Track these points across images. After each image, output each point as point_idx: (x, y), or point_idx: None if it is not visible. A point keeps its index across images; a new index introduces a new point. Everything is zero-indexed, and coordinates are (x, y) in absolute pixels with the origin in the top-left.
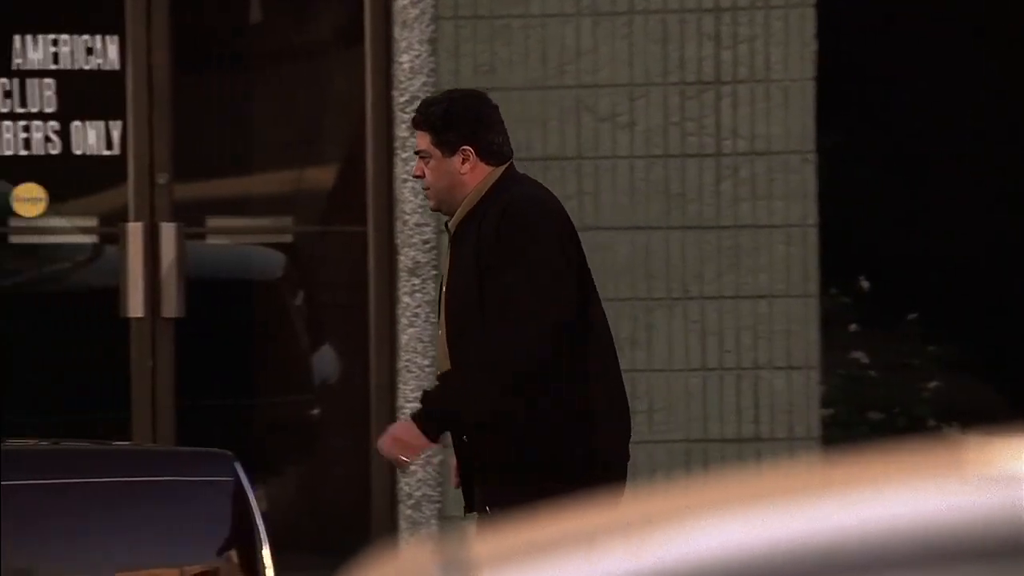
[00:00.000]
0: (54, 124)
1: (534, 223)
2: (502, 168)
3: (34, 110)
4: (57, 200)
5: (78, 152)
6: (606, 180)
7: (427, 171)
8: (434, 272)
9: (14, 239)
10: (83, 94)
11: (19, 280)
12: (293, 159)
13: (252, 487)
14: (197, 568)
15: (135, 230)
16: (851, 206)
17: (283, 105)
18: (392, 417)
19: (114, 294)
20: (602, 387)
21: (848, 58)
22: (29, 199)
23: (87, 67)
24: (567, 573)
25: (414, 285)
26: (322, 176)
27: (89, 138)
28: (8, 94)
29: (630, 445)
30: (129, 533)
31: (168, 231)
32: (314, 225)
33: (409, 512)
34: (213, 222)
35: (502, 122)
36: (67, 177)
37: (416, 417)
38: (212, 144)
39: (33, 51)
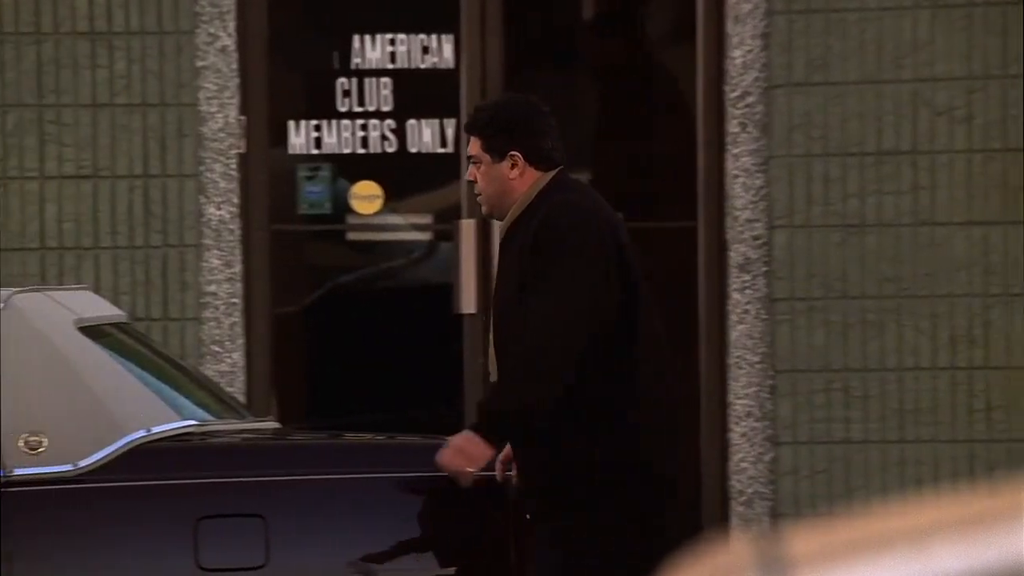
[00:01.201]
0: (390, 122)
1: (570, 233)
2: (552, 173)
3: (371, 109)
4: (393, 197)
5: (413, 150)
6: (942, 175)
7: (478, 176)
8: (765, 269)
9: (351, 236)
10: (419, 93)
11: (356, 276)
12: (623, 155)
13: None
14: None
15: (468, 227)
16: None
17: (614, 101)
18: (723, 413)
19: (447, 290)
20: (650, 395)
21: None
22: (366, 196)
23: (423, 66)
24: (896, 571)
25: (744, 281)
26: (652, 172)
27: (424, 136)
28: (347, 93)
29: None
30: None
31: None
32: (644, 221)
33: (741, 509)
34: None
35: (554, 127)
36: (402, 175)
37: (476, 427)
38: None
39: (371, 51)
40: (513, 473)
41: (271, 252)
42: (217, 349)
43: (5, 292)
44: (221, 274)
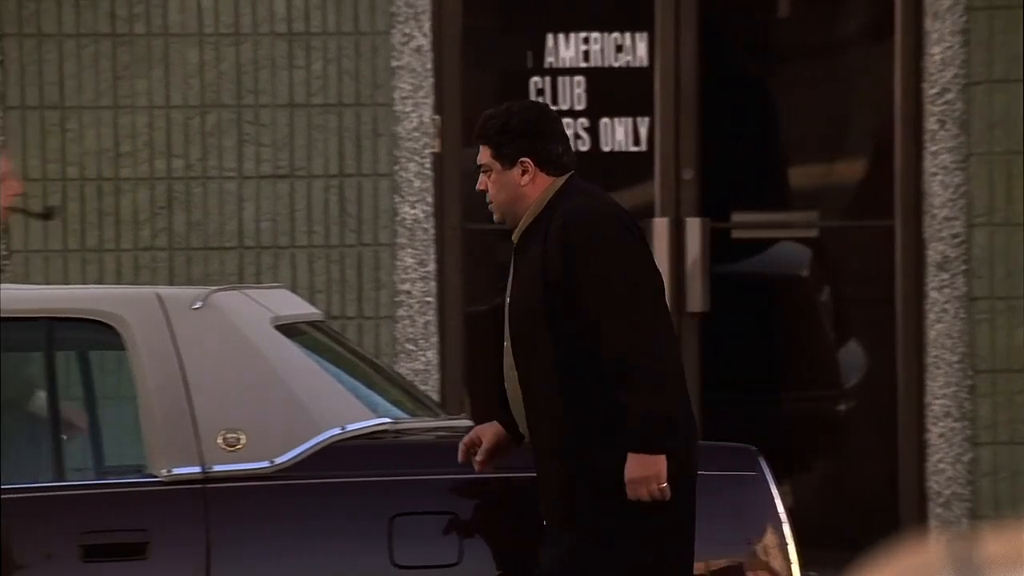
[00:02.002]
0: (584, 121)
1: (605, 228)
2: (564, 179)
3: (564, 107)
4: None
5: (606, 148)
6: None
7: (489, 184)
8: (964, 267)
9: None
10: (612, 91)
11: None
12: (820, 153)
13: (776, 482)
14: (722, 562)
15: (661, 225)
16: None
17: (810, 99)
18: (920, 414)
19: None
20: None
21: None
22: None
23: (616, 64)
24: None
25: (943, 280)
26: (849, 170)
27: (617, 134)
28: (540, 92)
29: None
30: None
31: (694, 226)
32: (841, 219)
33: (939, 511)
34: (738, 217)
35: (563, 132)
36: (596, 173)
37: (634, 449)
38: (737, 139)
39: (565, 49)
40: (480, 459)
41: (464, 251)
42: (411, 347)
43: (204, 291)
44: (415, 272)
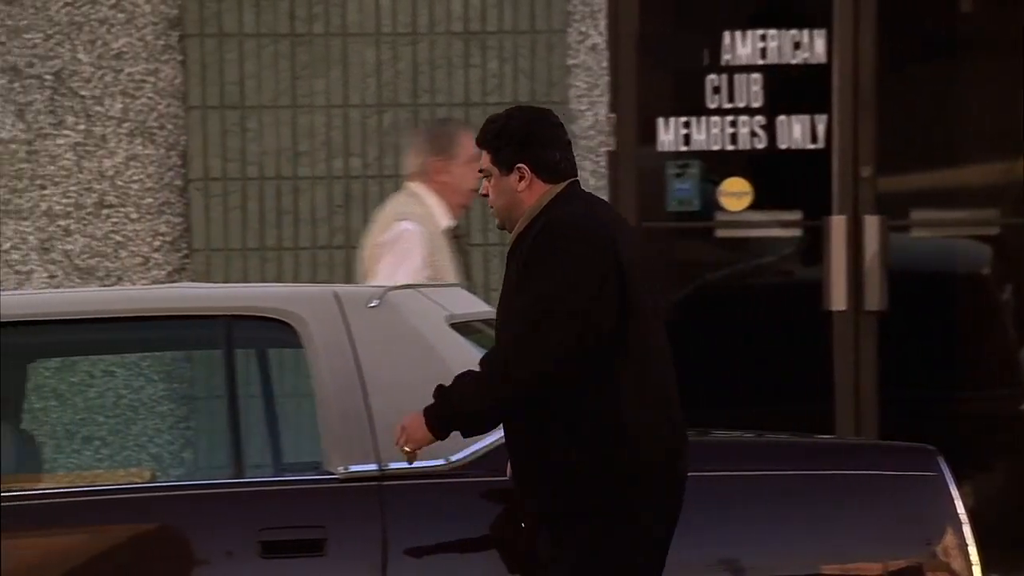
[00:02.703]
0: (760, 119)
1: (563, 243)
2: (562, 186)
3: (741, 105)
4: (761, 194)
5: (783, 146)
6: None
7: (490, 189)
8: None
9: (720, 233)
10: (789, 88)
11: (724, 273)
12: (1000, 150)
13: (956, 483)
14: (901, 563)
15: (838, 223)
16: None
17: (990, 95)
18: None
19: (817, 287)
20: (637, 402)
21: None
22: (735, 193)
23: (794, 61)
24: None
25: None
26: None
27: (794, 132)
28: (716, 90)
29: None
30: (831, 526)
31: (871, 224)
32: (1022, 217)
33: None
34: (917, 214)
35: (564, 139)
36: (771, 171)
37: (428, 411)
38: (916, 136)
39: (742, 47)
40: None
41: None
42: None
43: (381, 289)
44: None
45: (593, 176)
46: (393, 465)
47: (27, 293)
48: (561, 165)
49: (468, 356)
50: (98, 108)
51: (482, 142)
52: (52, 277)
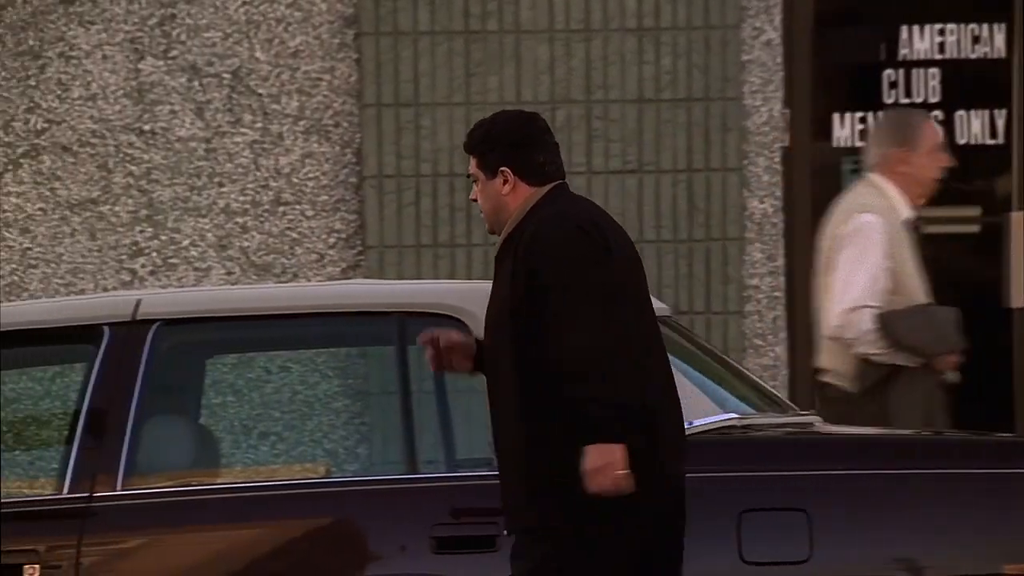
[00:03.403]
0: (938, 113)
1: (554, 247)
2: (547, 188)
3: (918, 100)
4: (942, 189)
5: (962, 141)
6: None
7: (478, 194)
8: None
9: None
10: (968, 83)
11: None
12: None
13: None
14: None
15: (1018, 220)
16: None
17: None
18: None
19: (995, 284)
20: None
21: None
22: None
23: (973, 56)
24: None
25: None
26: None
27: (973, 127)
28: (893, 85)
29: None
30: (1014, 526)
31: None
32: None
33: None
34: None
35: (550, 142)
36: (949, 167)
37: (586, 440)
38: None
39: (919, 41)
40: (432, 349)
41: (814, 246)
42: (759, 343)
43: None
44: (764, 267)
45: (767, 172)
46: None
47: (205, 290)
48: (546, 168)
49: None
50: (275, 106)
51: (468, 147)
52: (229, 274)
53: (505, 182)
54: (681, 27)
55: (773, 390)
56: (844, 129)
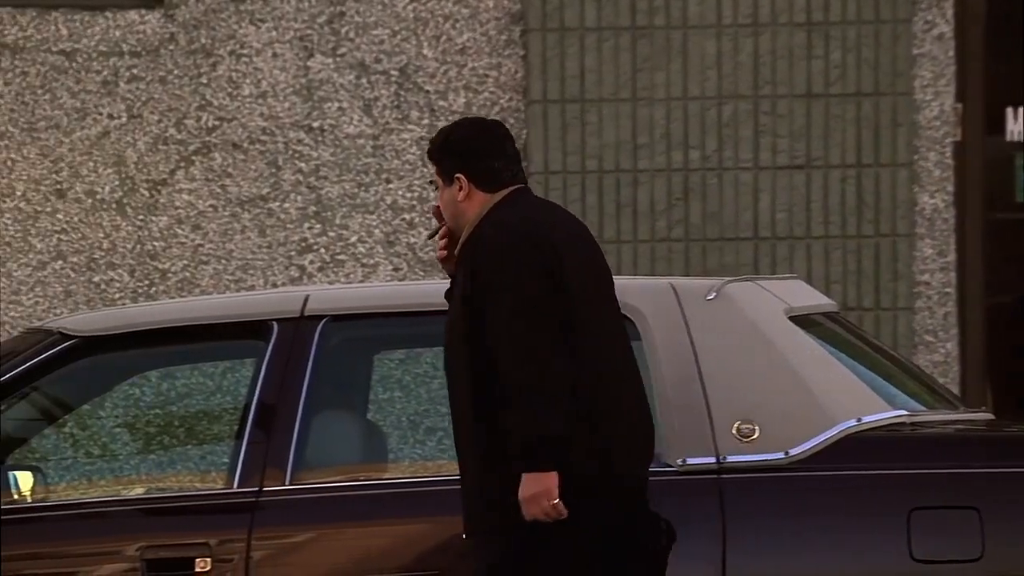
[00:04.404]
0: None
1: (497, 253)
2: (502, 194)
3: None
4: None
5: None
6: None
7: (439, 201)
8: None
9: None
10: None
11: None
12: None
13: None
14: None
15: None
16: None
17: None
18: None
19: None
20: (587, 396)
21: None
22: None
23: None
24: None
25: None
26: None
27: None
28: None
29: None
30: None
31: None
32: None
33: None
34: None
35: (508, 148)
36: None
37: (519, 468)
38: None
39: None
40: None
41: (985, 241)
42: (930, 339)
43: (718, 281)
44: (934, 263)
45: (938, 167)
46: (731, 458)
47: (372, 286)
48: (503, 175)
49: (807, 349)
50: (442, 103)
51: (429, 154)
52: (396, 270)
53: (460, 188)
54: (851, 21)
55: (945, 387)
56: (1017, 123)
